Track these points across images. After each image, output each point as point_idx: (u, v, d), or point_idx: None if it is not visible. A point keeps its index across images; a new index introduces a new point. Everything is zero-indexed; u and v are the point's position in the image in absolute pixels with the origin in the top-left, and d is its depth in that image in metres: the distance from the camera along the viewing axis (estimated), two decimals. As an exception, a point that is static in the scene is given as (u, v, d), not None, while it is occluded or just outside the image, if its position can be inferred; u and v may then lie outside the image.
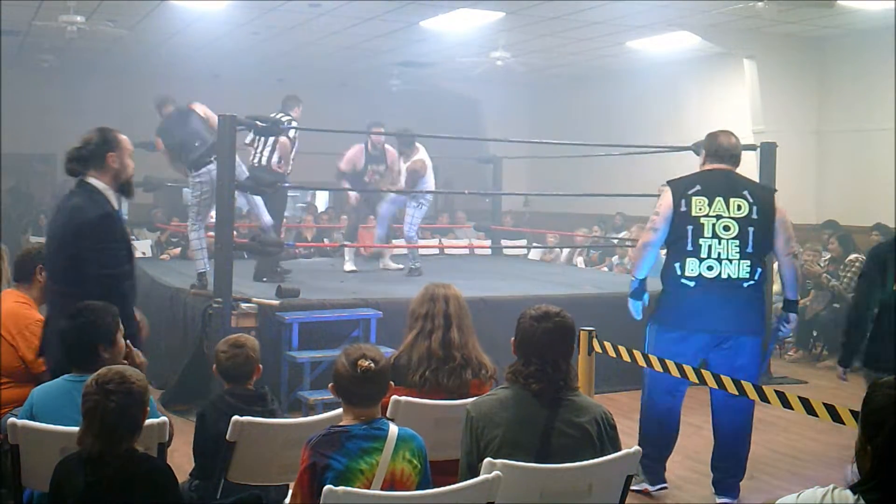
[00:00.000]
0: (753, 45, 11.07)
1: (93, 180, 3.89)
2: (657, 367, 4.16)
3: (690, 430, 6.11)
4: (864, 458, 1.92)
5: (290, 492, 2.70)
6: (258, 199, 7.79)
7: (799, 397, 3.65)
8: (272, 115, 7.97)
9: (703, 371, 4.04)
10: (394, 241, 9.93)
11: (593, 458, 2.83)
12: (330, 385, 2.83)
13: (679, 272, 4.55)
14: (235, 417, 3.24)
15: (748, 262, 4.49)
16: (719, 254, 4.48)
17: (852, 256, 9.01)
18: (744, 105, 11.39)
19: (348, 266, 9.08)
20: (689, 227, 4.52)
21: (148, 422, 2.91)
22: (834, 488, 1.91)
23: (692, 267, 4.52)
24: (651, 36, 11.46)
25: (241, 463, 3.29)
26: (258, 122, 7.26)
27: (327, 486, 2.46)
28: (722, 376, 3.92)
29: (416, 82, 15.25)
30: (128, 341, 3.49)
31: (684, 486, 4.97)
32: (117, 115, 14.55)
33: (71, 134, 16.04)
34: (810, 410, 3.55)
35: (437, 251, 11.94)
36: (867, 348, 4.47)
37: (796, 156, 10.51)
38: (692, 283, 4.52)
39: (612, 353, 4.34)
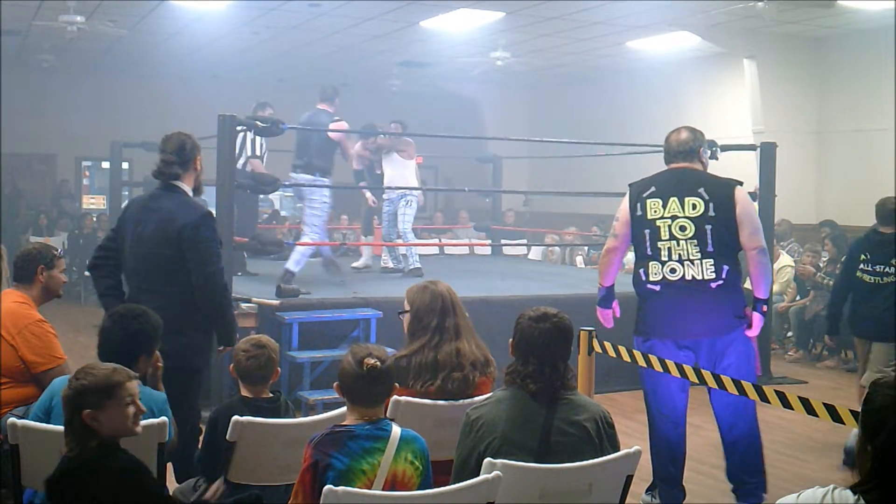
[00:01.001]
0: (753, 45, 11.07)
1: (179, 183, 4.17)
2: (657, 366, 4.16)
3: (690, 429, 6.08)
4: (864, 458, 1.92)
5: (293, 490, 2.70)
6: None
7: (799, 397, 3.65)
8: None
9: (703, 371, 4.02)
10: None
11: (593, 456, 2.83)
12: (335, 384, 2.83)
13: (644, 277, 4.46)
14: (235, 417, 3.23)
15: (711, 262, 4.34)
16: (679, 255, 4.36)
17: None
18: (744, 105, 11.39)
19: (360, 262, 9.05)
20: (647, 231, 4.44)
21: (147, 422, 2.91)
22: (834, 488, 1.91)
23: (655, 271, 4.41)
24: (651, 36, 11.46)
25: (242, 463, 3.29)
26: (258, 123, 7.27)
27: (327, 486, 2.46)
28: (723, 377, 3.90)
29: (416, 82, 15.25)
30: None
31: (684, 486, 4.97)
32: (117, 114, 14.62)
33: (71, 134, 16.14)
34: (810, 410, 3.55)
35: (437, 251, 11.94)
36: (849, 320, 5.94)
37: (796, 156, 10.51)
38: (657, 287, 4.40)
39: (612, 353, 4.33)
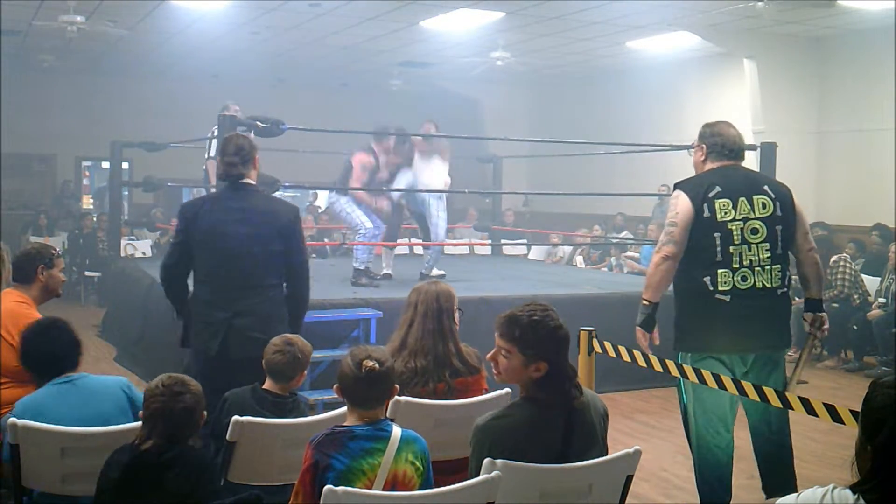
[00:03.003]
0: (753, 45, 11.07)
1: (248, 181, 4.26)
2: (657, 366, 4.15)
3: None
4: (864, 458, 1.92)
5: (294, 490, 2.70)
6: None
7: (799, 397, 3.65)
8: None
9: (703, 371, 4.01)
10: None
11: (599, 453, 2.81)
12: (335, 386, 2.83)
13: (711, 287, 3.99)
14: (235, 417, 3.23)
15: (779, 267, 4.04)
16: (751, 261, 3.99)
17: (835, 258, 9.01)
18: (744, 105, 11.39)
19: (386, 269, 8.55)
20: (717, 235, 4.00)
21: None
22: (834, 488, 1.91)
23: (725, 280, 3.98)
24: (651, 36, 11.47)
25: (242, 463, 3.29)
26: (258, 123, 7.27)
27: (327, 486, 2.46)
28: (723, 377, 3.85)
29: (416, 82, 15.26)
30: None
31: (684, 486, 4.97)
32: (117, 114, 14.62)
33: (71, 134, 16.16)
34: (810, 410, 3.55)
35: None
36: None
37: (796, 156, 10.51)
38: (727, 298, 3.98)
39: (612, 353, 4.32)
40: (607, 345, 4.31)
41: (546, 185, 13.91)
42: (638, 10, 9.95)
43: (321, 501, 2.44)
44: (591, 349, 4.25)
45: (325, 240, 12.66)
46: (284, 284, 4.28)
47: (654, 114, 13.48)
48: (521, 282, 8.70)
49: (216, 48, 12.68)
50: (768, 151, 8.06)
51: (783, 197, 4.11)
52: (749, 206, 4.03)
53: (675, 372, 4.06)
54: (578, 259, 12.69)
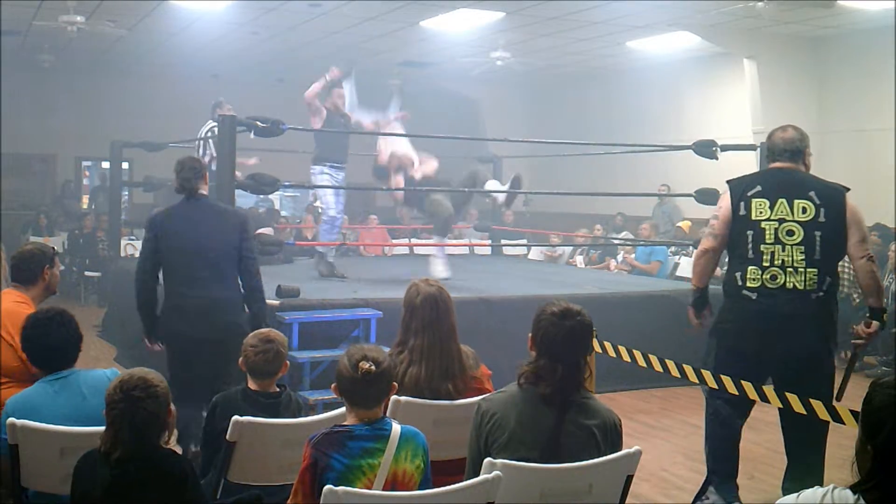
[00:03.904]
0: (753, 45, 11.07)
1: (203, 192, 4.97)
2: (657, 366, 4.15)
3: (690, 429, 6.12)
4: (864, 458, 1.92)
5: (293, 489, 2.70)
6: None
7: (799, 397, 3.65)
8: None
9: (703, 371, 4.02)
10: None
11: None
12: (332, 385, 2.83)
13: (740, 282, 4.15)
14: (235, 417, 3.23)
15: (815, 271, 4.06)
16: (783, 261, 4.07)
17: None
18: (744, 105, 11.40)
19: (442, 272, 7.94)
20: (750, 233, 4.14)
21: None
22: (834, 488, 1.91)
23: (754, 276, 4.12)
24: (651, 36, 11.47)
25: (241, 463, 3.29)
26: (258, 123, 7.27)
27: (327, 486, 2.46)
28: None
29: (416, 82, 15.25)
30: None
31: (684, 486, 4.97)
32: (117, 114, 14.61)
33: (71, 134, 16.09)
34: (810, 410, 3.55)
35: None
36: None
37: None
38: (754, 295, 4.12)
39: (612, 353, 4.33)
40: (607, 345, 4.32)
41: (546, 185, 13.90)
42: (638, 10, 9.95)
43: (321, 501, 2.44)
44: (591, 349, 4.24)
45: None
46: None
47: (653, 114, 13.48)
48: (521, 282, 8.69)
49: (216, 48, 12.68)
50: (768, 151, 8.05)
51: (831, 203, 4.13)
52: (788, 208, 4.11)
53: (675, 372, 4.07)
54: (578, 259, 12.69)
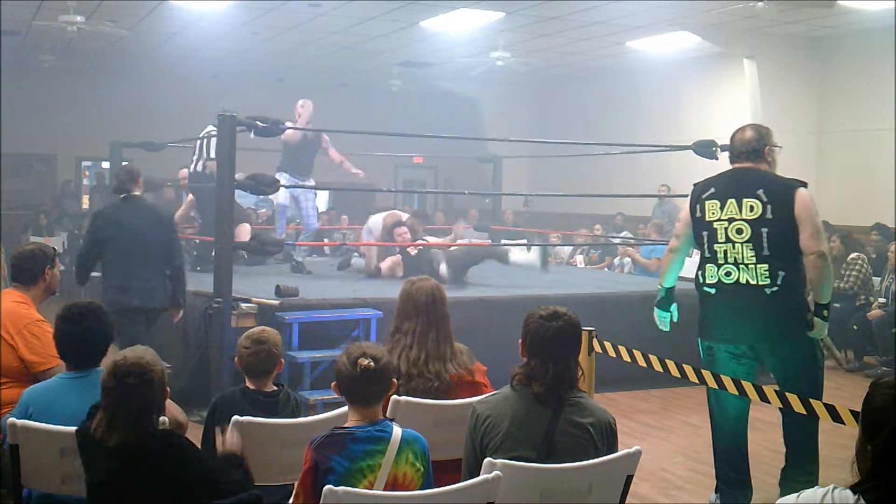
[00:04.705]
0: (753, 45, 11.08)
1: (137, 192, 6.03)
2: (657, 366, 4.15)
3: (689, 429, 6.12)
4: (864, 458, 1.92)
5: (294, 492, 2.70)
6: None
7: (799, 397, 3.65)
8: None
9: (703, 371, 4.02)
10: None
11: (594, 458, 2.82)
12: (332, 384, 2.83)
13: (701, 280, 4.40)
14: (235, 417, 3.23)
15: (766, 266, 4.20)
16: (735, 259, 4.26)
17: (854, 255, 9.01)
18: (744, 105, 11.39)
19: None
20: (705, 233, 4.37)
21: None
22: (834, 488, 1.91)
23: (711, 273, 4.33)
24: (651, 36, 11.47)
25: (241, 463, 3.29)
26: (258, 123, 7.27)
27: (327, 486, 2.46)
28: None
29: (416, 82, 15.26)
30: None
31: (684, 486, 4.97)
32: (117, 114, 14.61)
33: (71, 134, 16.09)
34: (810, 410, 3.55)
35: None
36: None
37: (796, 156, 10.51)
38: (713, 290, 4.34)
39: (611, 353, 4.33)
40: (607, 345, 4.31)
41: (546, 185, 13.91)
42: (638, 10, 9.95)
43: (321, 502, 2.44)
44: (591, 349, 4.25)
45: (325, 240, 12.65)
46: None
47: (653, 114, 13.48)
48: (521, 282, 8.68)
49: (216, 48, 12.68)
50: (768, 151, 8.05)
51: (779, 201, 4.23)
52: (737, 208, 4.29)
53: (674, 372, 4.08)
54: (579, 259, 12.69)
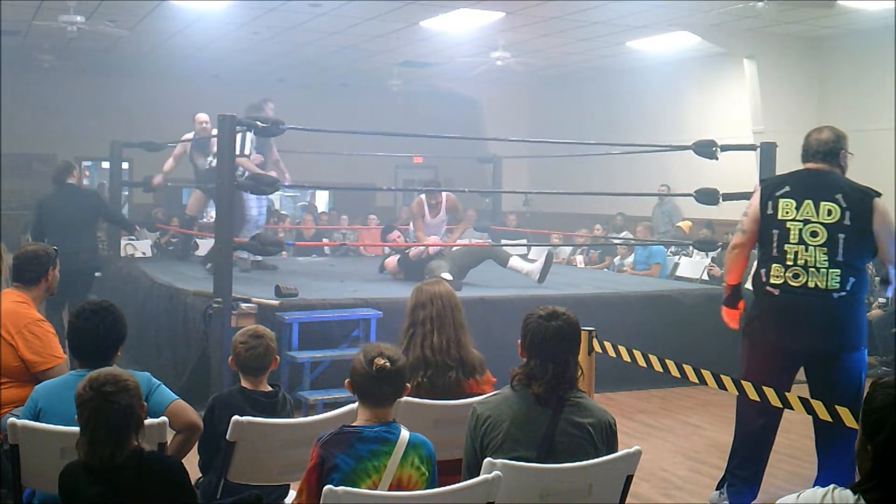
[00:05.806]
0: (753, 45, 11.07)
1: (72, 182, 7.82)
2: (657, 366, 4.15)
3: (689, 429, 6.12)
4: (864, 458, 1.92)
5: (297, 489, 2.69)
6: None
7: (799, 397, 3.65)
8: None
9: (703, 371, 4.01)
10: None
11: (594, 458, 2.83)
12: (346, 381, 2.83)
13: (764, 279, 4.28)
14: (235, 417, 3.23)
15: (837, 272, 4.13)
16: (806, 261, 4.16)
17: None
18: (744, 105, 11.39)
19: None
20: (776, 231, 4.25)
21: (147, 421, 2.90)
22: (834, 488, 1.91)
23: (777, 274, 4.23)
24: (651, 36, 11.47)
25: (241, 463, 3.29)
26: (258, 123, 7.27)
27: (327, 487, 2.46)
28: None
29: (416, 82, 15.26)
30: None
31: (684, 486, 4.97)
32: (117, 114, 14.62)
33: (71, 134, 16.18)
34: (810, 410, 3.55)
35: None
36: None
37: (796, 156, 10.50)
38: (777, 292, 4.23)
39: (612, 353, 4.33)
40: (607, 345, 4.31)
41: (546, 185, 13.90)
42: (638, 10, 9.95)
43: (322, 501, 2.44)
44: (591, 349, 4.25)
45: (325, 240, 12.66)
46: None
47: (653, 114, 13.48)
48: (521, 282, 8.68)
49: (216, 48, 12.68)
50: (768, 151, 8.05)
51: (857, 208, 4.18)
52: (814, 210, 4.21)
53: (675, 372, 4.07)
54: (579, 259, 12.69)
